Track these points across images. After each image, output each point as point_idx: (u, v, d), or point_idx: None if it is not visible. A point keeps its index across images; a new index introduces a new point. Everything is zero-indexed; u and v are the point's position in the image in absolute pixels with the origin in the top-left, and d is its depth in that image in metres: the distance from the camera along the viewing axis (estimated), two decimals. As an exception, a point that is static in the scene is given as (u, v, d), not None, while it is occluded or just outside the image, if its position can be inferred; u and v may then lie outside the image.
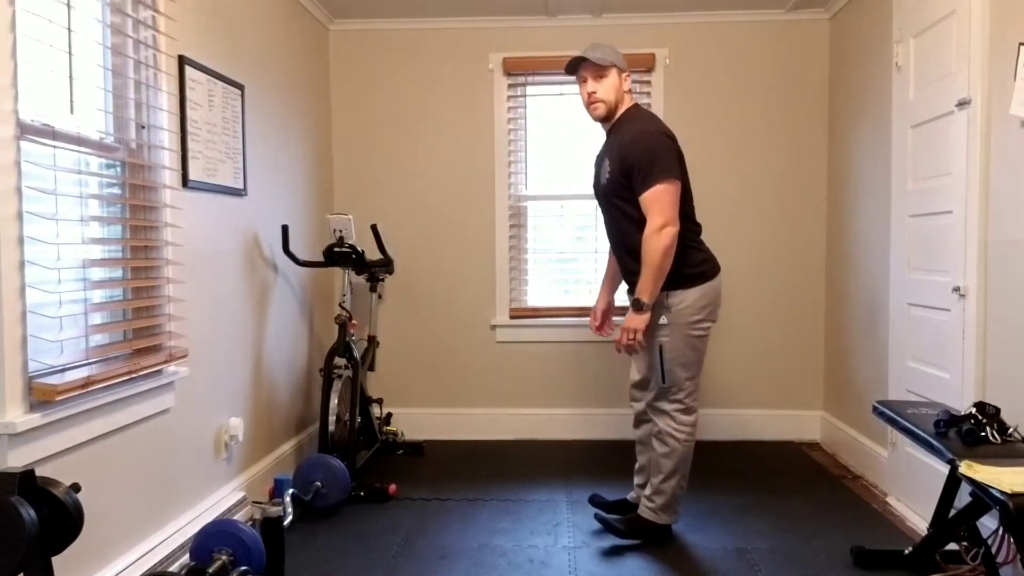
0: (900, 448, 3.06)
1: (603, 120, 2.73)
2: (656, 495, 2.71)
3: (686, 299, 2.61)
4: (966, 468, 1.96)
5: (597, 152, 2.83)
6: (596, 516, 2.84)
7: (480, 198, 4.20)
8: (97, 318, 2.16)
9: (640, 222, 2.57)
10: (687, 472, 2.72)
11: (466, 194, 4.20)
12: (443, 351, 4.26)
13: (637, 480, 2.94)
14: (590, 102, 2.70)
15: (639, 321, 2.56)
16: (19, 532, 1.48)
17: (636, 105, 2.74)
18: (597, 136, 2.81)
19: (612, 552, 2.70)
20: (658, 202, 2.52)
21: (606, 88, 2.66)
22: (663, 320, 2.62)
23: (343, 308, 3.42)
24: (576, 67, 2.70)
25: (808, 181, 4.10)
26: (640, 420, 2.89)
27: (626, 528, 2.76)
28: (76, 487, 1.65)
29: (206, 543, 2.26)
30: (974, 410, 2.21)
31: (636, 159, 2.56)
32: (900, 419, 2.38)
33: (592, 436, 4.20)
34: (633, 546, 2.74)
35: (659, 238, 2.50)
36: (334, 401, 3.31)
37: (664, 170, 2.53)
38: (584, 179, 4.09)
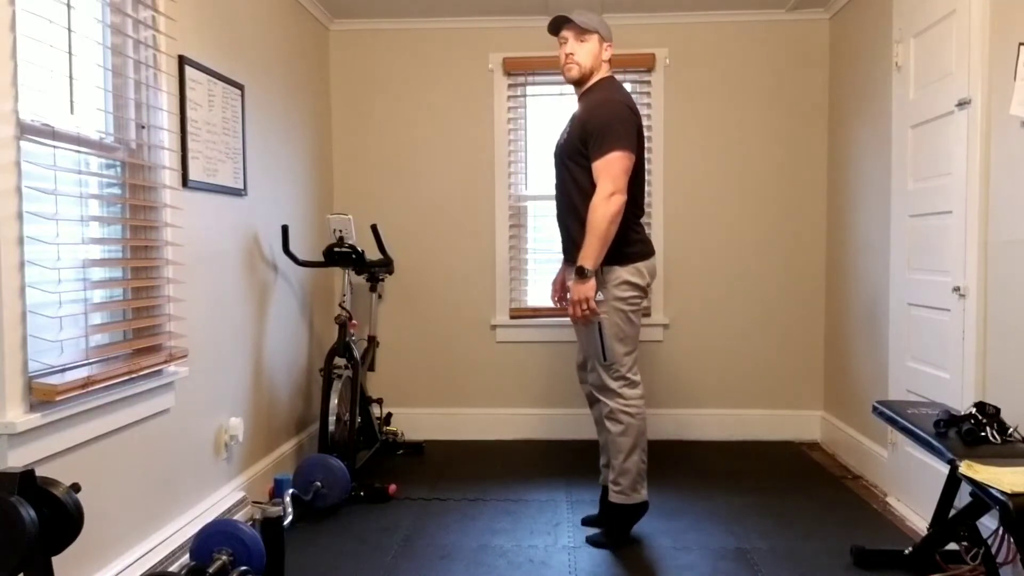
0: (900, 448, 3.06)
1: (576, 83, 2.74)
2: (621, 476, 2.71)
3: (621, 275, 2.64)
4: (966, 468, 1.96)
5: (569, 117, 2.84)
6: (588, 540, 2.79)
7: (480, 198, 4.20)
8: (97, 318, 2.16)
9: (587, 190, 2.58)
10: (645, 445, 2.72)
11: (466, 194, 4.20)
12: (443, 351, 4.26)
13: (602, 460, 2.93)
14: (566, 62, 2.71)
15: (586, 289, 2.55)
16: (19, 532, 1.48)
17: (611, 76, 2.75)
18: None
19: (612, 552, 2.70)
20: (610, 169, 2.53)
21: (585, 52, 2.68)
22: (599, 297, 2.63)
23: (343, 308, 3.42)
24: (559, 27, 2.72)
25: (808, 181, 4.10)
26: (592, 400, 2.90)
27: (610, 531, 2.76)
28: (76, 487, 1.65)
29: (206, 543, 2.26)
30: (974, 410, 2.21)
31: (594, 125, 2.58)
32: (900, 419, 2.38)
33: (592, 436, 4.16)
34: (632, 546, 2.74)
35: (607, 205, 2.51)
36: (334, 401, 3.31)
37: (619, 139, 2.54)
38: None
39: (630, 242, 2.67)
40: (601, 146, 2.55)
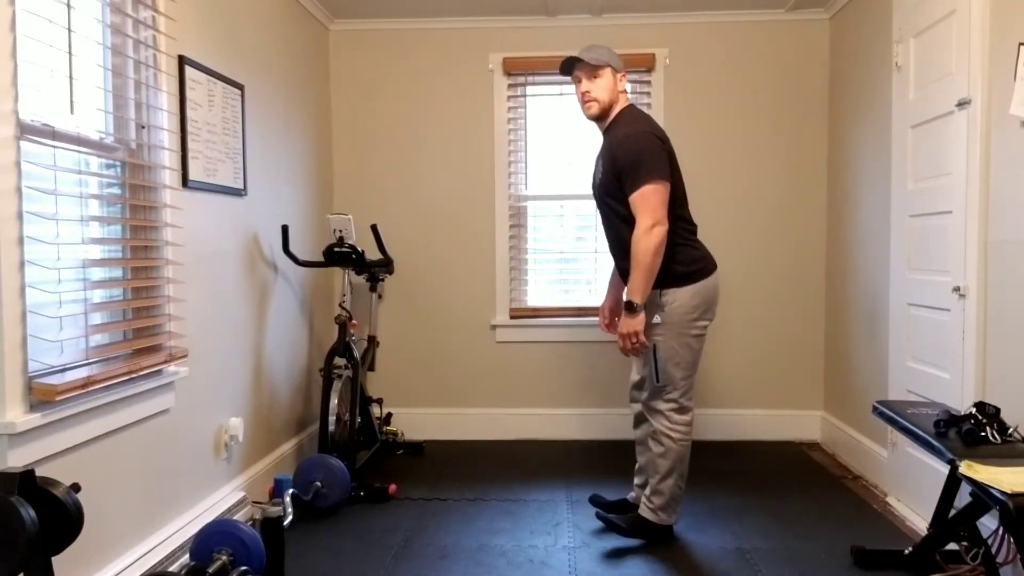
0: (900, 448, 3.06)
1: (597, 119, 2.74)
2: (655, 495, 2.71)
3: (679, 298, 2.62)
4: (966, 468, 1.96)
5: (597, 152, 2.84)
6: (598, 515, 2.84)
7: (480, 198, 4.20)
8: (97, 318, 2.16)
9: (631, 221, 2.58)
10: (685, 472, 2.72)
11: (466, 194, 4.20)
12: (443, 351, 4.26)
13: (637, 480, 2.94)
14: (584, 101, 2.71)
15: (635, 323, 2.56)
16: (19, 532, 1.48)
17: (631, 106, 2.75)
18: (597, 136, 2.82)
19: (612, 552, 2.70)
20: (646, 202, 2.53)
21: (600, 88, 2.67)
22: (656, 319, 2.63)
23: (343, 308, 3.42)
24: (571, 68, 2.72)
25: (808, 181, 4.10)
26: (639, 420, 2.89)
27: (628, 527, 2.76)
28: (76, 487, 1.65)
29: (206, 543, 2.26)
30: (974, 410, 2.21)
31: (624, 160, 2.57)
32: (900, 419, 2.38)
33: (592, 436, 4.20)
34: (633, 546, 2.74)
35: (648, 238, 2.51)
36: (334, 401, 3.31)
37: (652, 171, 2.53)
38: (584, 179, 4.09)
39: (686, 261, 2.64)
40: (635, 181, 2.54)
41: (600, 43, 2.83)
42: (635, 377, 2.88)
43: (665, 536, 2.76)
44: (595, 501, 3.04)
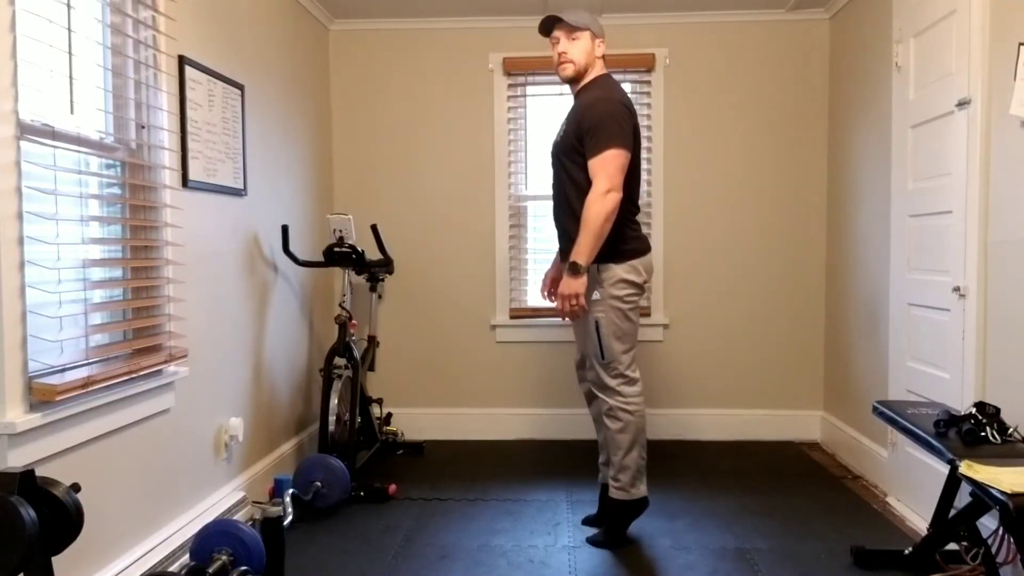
0: (900, 448, 3.06)
1: (571, 81, 2.75)
2: (621, 472, 2.71)
3: (617, 273, 2.64)
4: (966, 468, 1.96)
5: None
6: (588, 541, 2.79)
7: (480, 198, 4.20)
8: (97, 318, 2.16)
9: (584, 187, 2.58)
10: (644, 442, 2.73)
11: (466, 194, 4.20)
12: (443, 351, 4.26)
13: (601, 458, 2.93)
14: (559, 61, 2.72)
15: (577, 284, 2.55)
16: (19, 532, 1.48)
17: (607, 74, 2.75)
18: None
19: (612, 552, 2.70)
20: (605, 167, 2.54)
21: (577, 49, 2.69)
22: (596, 296, 2.64)
23: (343, 308, 3.42)
24: (550, 27, 2.73)
25: (808, 181, 4.10)
26: (590, 398, 2.90)
27: (610, 529, 2.76)
28: (76, 487, 1.65)
29: (206, 543, 2.26)
30: (974, 410, 2.21)
31: (591, 122, 2.58)
32: (900, 419, 2.38)
33: (592, 436, 4.16)
34: (632, 546, 2.74)
35: (602, 202, 2.51)
36: (334, 401, 3.31)
37: (615, 137, 2.54)
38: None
39: (626, 239, 2.67)
40: (597, 144, 2.55)
41: (584, 9, 2.83)
42: (578, 357, 2.90)
43: (642, 508, 2.75)
44: (586, 521, 2.97)
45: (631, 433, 2.68)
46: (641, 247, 2.71)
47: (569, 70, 2.71)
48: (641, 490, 2.74)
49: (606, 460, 2.86)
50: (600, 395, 2.74)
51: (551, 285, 3.03)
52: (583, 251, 2.54)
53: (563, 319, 2.66)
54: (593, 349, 2.69)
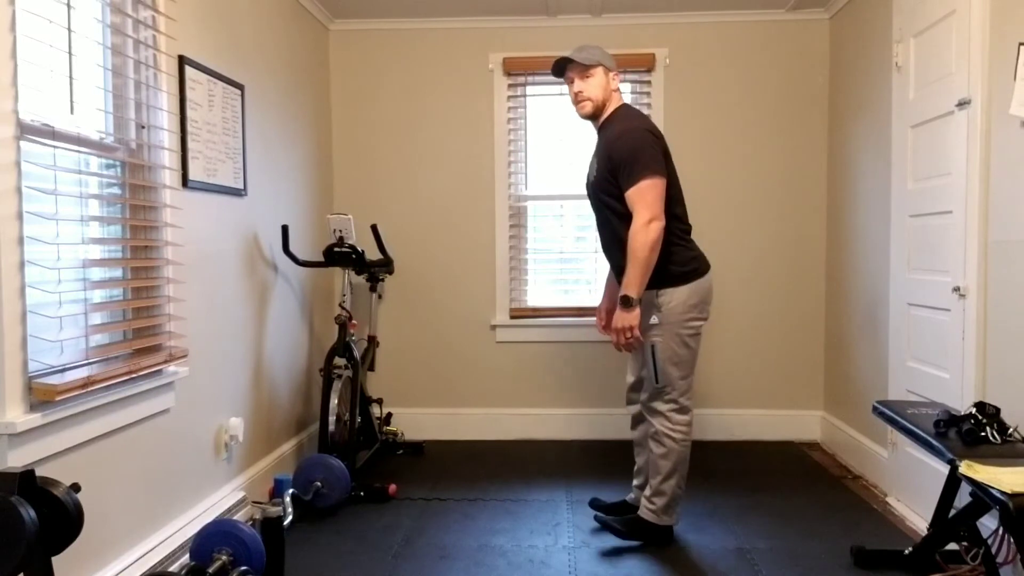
0: (900, 448, 3.06)
1: (591, 118, 2.75)
2: (656, 496, 2.71)
3: (676, 297, 2.62)
4: (966, 468, 1.96)
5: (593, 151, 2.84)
6: (596, 518, 2.84)
7: (480, 198, 4.20)
8: (97, 318, 2.16)
9: (628, 219, 2.58)
10: (685, 473, 2.72)
11: (466, 194, 4.20)
12: (443, 351, 4.26)
13: (636, 481, 2.94)
14: (577, 101, 2.72)
15: (630, 318, 2.55)
16: (19, 532, 1.48)
17: (625, 104, 2.75)
18: (596, 136, 2.82)
19: (612, 552, 2.70)
20: (643, 198, 2.53)
21: (593, 87, 2.68)
22: (654, 320, 2.63)
23: (343, 308, 3.42)
24: (562, 69, 2.73)
25: (808, 181, 4.10)
26: (637, 421, 2.89)
27: (627, 529, 2.76)
28: (76, 487, 1.65)
29: (206, 543, 2.26)
30: (974, 410, 2.21)
31: (621, 156, 2.58)
32: (900, 419, 2.38)
33: (592, 436, 4.20)
34: (633, 546, 2.74)
35: (645, 233, 2.51)
36: (334, 401, 3.31)
37: (648, 166, 2.54)
38: (584, 179, 4.09)
39: (681, 261, 2.64)
40: (631, 176, 2.55)
41: (592, 43, 2.84)
42: (631, 379, 2.88)
43: (666, 537, 2.76)
44: (594, 504, 3.04)
45: (673, 460, 2.67)
46: (700, 267, 2.67)
47: (588, 107, 2.70)
48: (671, 519, 2.74)
49: (642, 484, 2.86)
50: (649, 418, 2.73)
51: (606, 317, 2.99)
52: (632, 283, 2.53)
53: (620, 350, 2.66)
54: (648, 374, 2.68)
